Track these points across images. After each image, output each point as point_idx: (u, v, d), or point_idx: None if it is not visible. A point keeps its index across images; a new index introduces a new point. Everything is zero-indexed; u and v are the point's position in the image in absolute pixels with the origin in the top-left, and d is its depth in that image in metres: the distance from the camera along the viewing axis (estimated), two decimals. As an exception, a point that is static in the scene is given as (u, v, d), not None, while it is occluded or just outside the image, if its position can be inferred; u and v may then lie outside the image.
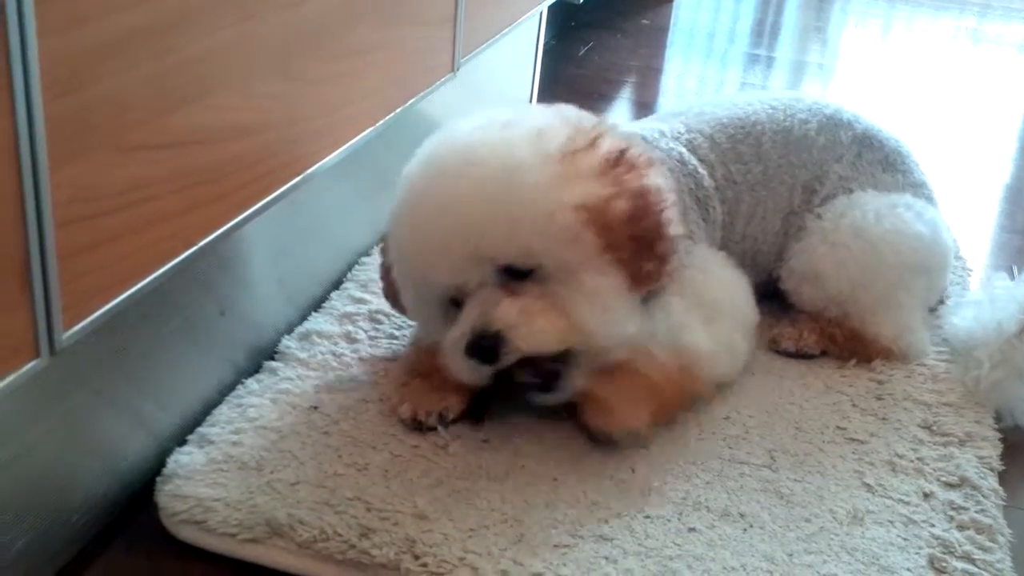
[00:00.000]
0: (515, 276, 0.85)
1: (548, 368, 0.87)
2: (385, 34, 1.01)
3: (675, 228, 0.88)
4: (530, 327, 0.84)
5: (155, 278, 0.74)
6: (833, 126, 1.11)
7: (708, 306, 0.97)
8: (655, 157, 0.92)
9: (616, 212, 0.84)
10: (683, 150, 1.04)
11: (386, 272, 0.98)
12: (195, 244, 0.78)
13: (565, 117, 0.91)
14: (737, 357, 1.01)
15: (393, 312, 1.09)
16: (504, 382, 0.89)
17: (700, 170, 1.04)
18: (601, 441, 0.90)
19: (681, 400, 0.95)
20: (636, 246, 0.86)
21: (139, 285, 0.73)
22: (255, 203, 0.84)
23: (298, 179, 0.90)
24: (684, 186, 1.01)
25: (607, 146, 0.87)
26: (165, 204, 0.75)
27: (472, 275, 0.85)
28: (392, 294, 0.98)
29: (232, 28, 0.79)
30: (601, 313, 0.86)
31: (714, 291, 0.98)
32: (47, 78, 0.61)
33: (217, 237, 0.80)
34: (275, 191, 0.87)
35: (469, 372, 0.87)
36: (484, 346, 0.83)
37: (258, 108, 0.84)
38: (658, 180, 0.88)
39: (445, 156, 0.88)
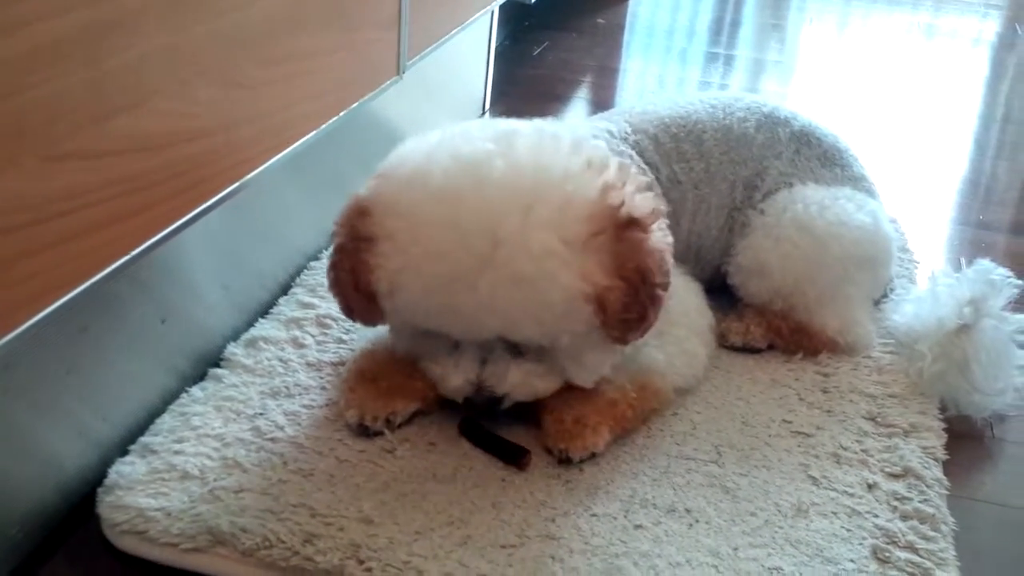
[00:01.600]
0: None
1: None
2: (327, 37, 1.01)
3: (668, 290, 0.87)
4: (530, 388, 0.90)
5: (90, 286, 0.74)
6: (771, 124, 1.13)
7: (660, 319, 0.97)
8: (661, 209, 0.89)
9: (617, 303, 0.83)
10: (632, 153, 1.04)
11: (349, 285, 0.89)
12: (131, 251, 0.77)
13: (590, 160, 0.86)
14: (696, 364, 1.01)
15: (341, 316, 1.08)
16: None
17: (648, 174, 1.04)
18: (560, 461, 0.90)
19: (641, 417, 0.95)
20: (627, 325, 0.85)
21: (72, 294, 0.72)
22: (192, 209, 0.83)
23: (237, 184, 0.89)
24: None
25: (633, 207, 0.84)
26: (99, 212, 0.74)
27: (482, 338, 0.87)
28: (351, 307, 0.92)
29: (169, 33, 0.78)
30: (592, 374, 0.92)
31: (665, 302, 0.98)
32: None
33: (154, 243, 0.80)
34: (214, 196, 0.86)
35: (453, 395, 0.91)
36: (484, 406, 0.90)
37: (196, 114, 0.83)
38: (665, 237, 0.87)
39: (479, 217, 0.81)
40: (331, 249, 0.91)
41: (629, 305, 0.84)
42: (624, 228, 0.83)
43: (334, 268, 0.90)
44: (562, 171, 0.84)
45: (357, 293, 0.89)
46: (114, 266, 0.76)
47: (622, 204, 0.83)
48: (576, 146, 0.87)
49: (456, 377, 0.89)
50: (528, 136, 0.87)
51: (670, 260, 0.88)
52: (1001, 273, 1.06)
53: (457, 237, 0.81)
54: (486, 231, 0.80)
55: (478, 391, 0.89)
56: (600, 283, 0.82)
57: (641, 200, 0.86)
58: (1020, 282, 1.06)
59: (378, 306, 0.88)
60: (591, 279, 0.82)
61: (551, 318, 0.83)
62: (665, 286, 0.86)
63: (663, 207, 0.92)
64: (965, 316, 1.02)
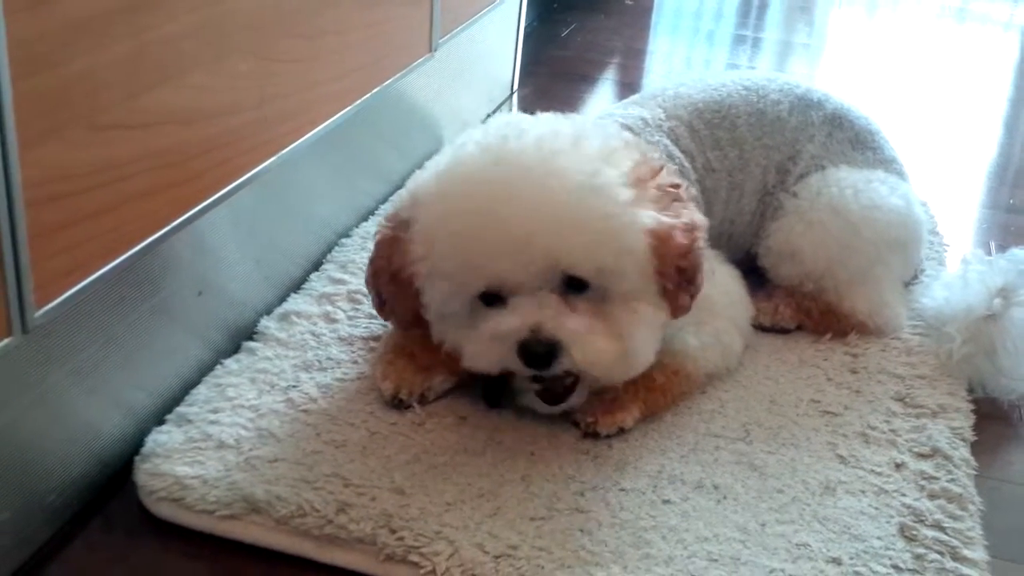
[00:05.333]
0: (573, 288, 0.84)
1: (565, 383, 0.88)
2: (360, 14, 1.02)
3: (708, 265, 0.90)
4: (591, 345, 0.83)
5: (128, 257, 0.75)
6: (804, 106, 1.12)
7: (701, 306, 0.97)
8: (693, 195, 0.93)
9: (676, 242, 0.85)
10: (667, 142, 1.05)
11: (384, 261, 0.91)
12: (168, 224, 0.78)
13: (625, 140, 0.91)
14: (730, 355, 1.01)
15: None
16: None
17: (685, 163, 1.04)
18: (588, 435, 0.91)
19: (672, 400, 0.96)
20: (681, 278, 0.87)
21: (111, 265, 0.73)
22: (228, 183, 0.85)
23: (272, 160, 0.90)
24: None
25: (666, 178, 0.88)
26: (137, 184, 0.75)
27: (536, 276, 0.82)
28: (385, 298, 0.93)
29: (205, 7, 0.79)
30: (649, 343, 0.87)
31: (707, 289, 0.98)
32: (15, 57, 0.61)
33: (190, 217, 0.81)
34: (249, 172, 0.87)
35: (496, 362, 0.85)
36: (538, 351, 0.82)
37: (231, 88, 0.84)
38: (699, 216, 0.90)
39: (523, 155, 0.83)
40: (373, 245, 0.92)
41: (687, 252, 0.85)
42: (667, 187, 0.86)
43: (372, 262, 0.92)
44: (600, 143, 0.86)
45: (393, 283, 0.90)
46: (153, 238, 0.77)
47: (661, 169, 0.86)
48: (607, 138, 0.90)
49: (512, 319, 0.82)
50: (564, 123, 0.90)
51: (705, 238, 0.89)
52: None
53: (495, 165, 0.83)
54: (529, 158, 0.82)
55: (535, 336, 0.82)
56: (661, 219, 0.84)
57: (669, 177, 0.88)
58: None
59: (412, 295, 0.88)
60: (650, 213, 0.83)
61: (607, 241, 0.82)
62: (704, 259, 0.88)
63: (693, 191, 0.93)
64: (995, 307, 1.02)
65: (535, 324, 0.82)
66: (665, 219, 0.85)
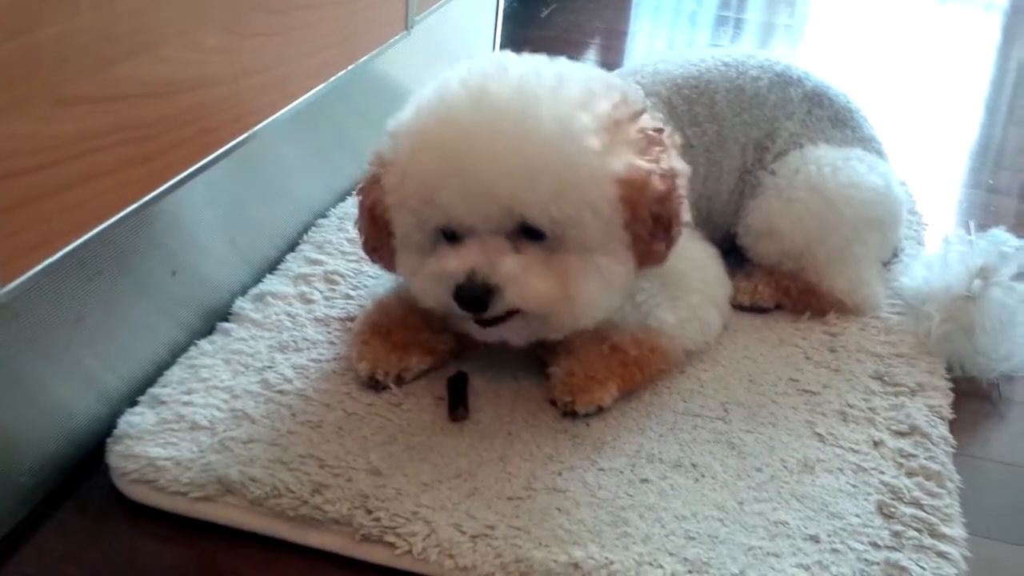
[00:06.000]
0: (528, 236, 0.83)
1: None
2: (335, -11, 1.00)
3: (686, 213, 0.89)
4: (528, 286, 0.83)
5: (96, 233, 0.74)
6: (784, 83, 1.11)
7: (676, 283, 0.97)
8: (677, 138, 0.92)
9: (652, 189, 0.84)
10: None
11: (370, 188, 0.91)
12: (138, 200, 0.77)
13: (608, 82, 0.90)
14: (709, 329, 1.01)
15: (348, 273, 1.09)
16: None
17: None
18: (566, 414, 0.90)
19: (650, 377, 0.95)
20: (655, 226, 0.86)
21: (79, 241, 0.72)
22: (200, 159, 0.83)
23: (245, 135, 0.89)
24: None
25: (647, 122, 0.87)
26: (107, 158, 0.74)
27: (491, 221, 0.82)
28: (370, 219, 0.92)
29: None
30: (598, 293, 0.86)
31: (682, 266, 0.98)
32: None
33: (161, 193, 0.79)
34: (221, 147, 0.86)
35: (436, 300, 0.86)
36: (473, 294, 0.82)
37: (203, 62, 0.83)
38: (680, 163, 0.89)
39: (500, 99, 0.83)
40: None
41: (663, 199, 0.84)
42: (649, 130, 0.85)
43: (360, 203, 0.92)
44: (581, 86, 0.86)
45: (370, 221, 0.90)
46: (121, 214, 0.76)
47: (642, 112, 0.85)
48: (588, 81, 0.89)
49: (453, 261, 0.83)
50: (548, 65, 0.89)
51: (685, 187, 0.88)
52: (1013, 244, 1.05)
53: (471, 106, 0.82)
54: (506, 102, 0.82)
55: (470, 280, 0.82)
56: (636, 164, 0.83)
57: (652, 121, 0.88)
58: None
59: (387, 232, 0.88)
60: (623, 159, 0.82)
61: (567, 193, 0.81)
62: (683, 206, 0.87)
63: (678, 139, 0.93)
64: (974, 288, 1.02)
65: (471, 269, 0.82)
66: (642, 164, 0.84)
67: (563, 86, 0.85)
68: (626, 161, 0.83)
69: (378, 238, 0.92)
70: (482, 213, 0.82)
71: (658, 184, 0.84)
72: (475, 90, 0.84)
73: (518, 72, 0.85)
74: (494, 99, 0.83)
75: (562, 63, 0.90)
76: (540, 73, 0.86)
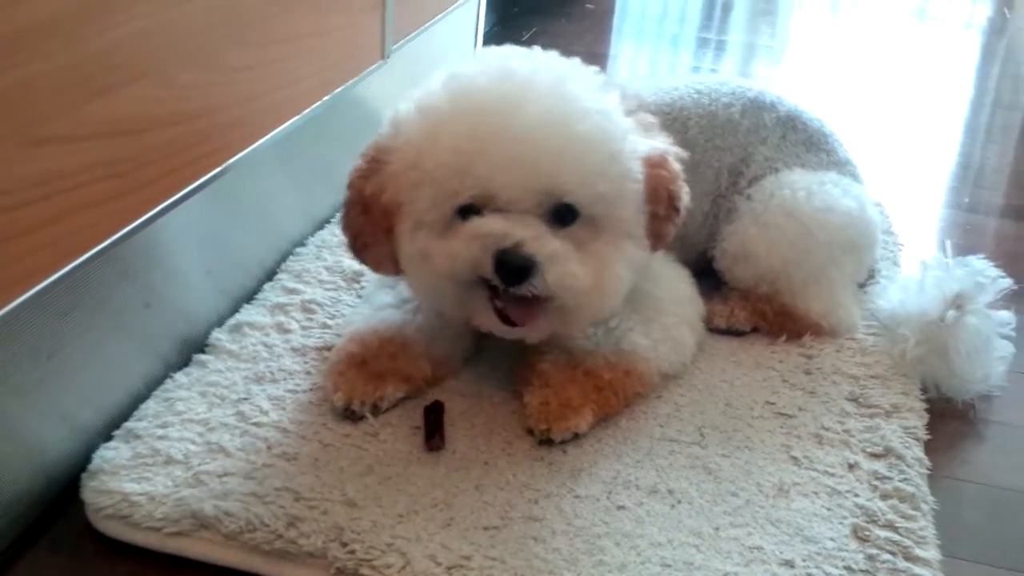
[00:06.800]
0: (559, 219, 0.83)
1: (523, 308, 0.84)
2: (309, 21, 1.01)
3: (686, 195, 0.92)
4: (567, 268, 0.82)
5: (70, 270, 0.74)
6: (757, 109, 1.12)
7: (649, 306, 0.98)
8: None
9: (670, 168, 0.89)
10: None
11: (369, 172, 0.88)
12: (110, 237, 0.77)
13: (606, 79, 0.93)
14: (683, 351, 1.01)
15: (326, 302, 1.09)
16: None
17: None
18: (541, 442, 0.90)
19: (625, 401, 0.95)
20: (667, 206, 0.90)
21: (52, 278, 0.72)
22: (174, 193, 0.83)
23: (219, 169, 0.89)
24: None
25: (645, 114, 0.93)
26: (78, 197, 0.74)
27: (529, 197, 0.81)
28: (365, 211, 0.89)
29: (149, 16, 0.78)
30: (624, 281, 0.88)
31: (654, 288, 0.99)
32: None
33: (135, 228, 0.80)
34: (196, 181, 0.86)
35: (468, 263, 0.82)
36: (515, 263, 0.80)
37: (177, 98, 0.83)
38: (677, 150, 0.93)
39: (530, 76, 0.83)
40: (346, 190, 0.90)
41: (676, 177, 0.89)
42: (648, 120, 0.91)
43: (346, 200, 0.90)
44: (591, 77, 0.90)
45: (365, 214, 0.88)
46: (93, 251, 0.76)
47: (641, 103, 0.92)
48: (592, 75, 0.92)
49: (499, 223, 0.80)
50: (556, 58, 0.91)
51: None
52: (990, 274, 1.06)
53: (499, 80, 0.83)
54: (538, 76, 0.83)
55: (516, 249, 0.80)
56: (655, 145, 0.88)
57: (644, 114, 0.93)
58: (1009, 281, 1.07)
59: (385, 226, 0.86)
60: (642, 140, 0.87)
61: (610, 168, 0.83)
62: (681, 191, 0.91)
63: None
64: (949, 317, 1.02)
65: (520, 238, 0.80)
66: (658, 144, 0.90)
67: (580, 73, 0.88)
68: (647, 142, 0.89)
69: (372, 232, 0.89)
70: (524, 186, 0.81)
71: (673, 162, 0.90)
72: (500, 70, 0.84)
73: (529, 56, 0.88)
74: (523, 75, 0.83)
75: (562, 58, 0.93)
76: (551, 56, 0.89)
